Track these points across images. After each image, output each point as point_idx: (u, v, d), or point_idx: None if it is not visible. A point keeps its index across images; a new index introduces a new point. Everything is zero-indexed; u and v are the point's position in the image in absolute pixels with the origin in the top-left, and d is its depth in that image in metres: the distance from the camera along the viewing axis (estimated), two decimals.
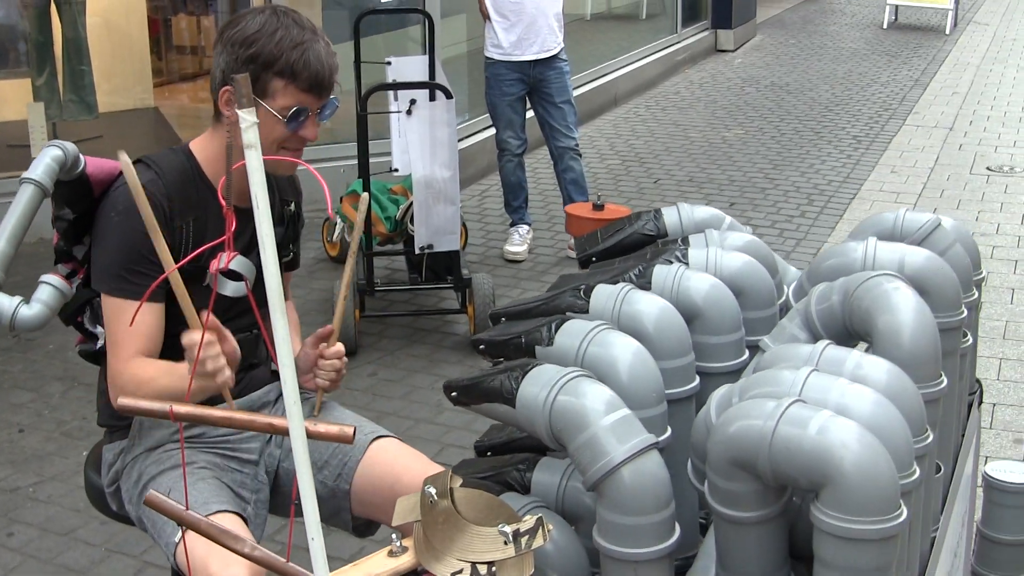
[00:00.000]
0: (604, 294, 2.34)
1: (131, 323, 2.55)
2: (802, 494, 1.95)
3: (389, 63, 6.22)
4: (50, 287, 2.52)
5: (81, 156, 2.60)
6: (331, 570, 1.77)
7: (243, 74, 1.57)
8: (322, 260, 6.85)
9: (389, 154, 6.09)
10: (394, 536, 2.09)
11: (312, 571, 1.68)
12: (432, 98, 5.48)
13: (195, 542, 2.37)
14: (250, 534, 2.54)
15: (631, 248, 2.80)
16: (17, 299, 2.46)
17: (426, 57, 6.21)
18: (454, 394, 2.17)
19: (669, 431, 2.17)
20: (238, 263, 2.06)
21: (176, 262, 2.56)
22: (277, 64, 2.50)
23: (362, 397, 5.13)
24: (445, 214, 5.36)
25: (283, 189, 2.88)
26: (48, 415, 5.03)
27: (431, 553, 1.93)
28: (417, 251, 5.44)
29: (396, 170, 5.91)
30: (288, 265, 2.96)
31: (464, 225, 6.84)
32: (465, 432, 4.71)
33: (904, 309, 2.14)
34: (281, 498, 2.85)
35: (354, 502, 2.77)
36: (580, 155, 6.95)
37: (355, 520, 2.81)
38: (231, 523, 2.48)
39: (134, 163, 2.60)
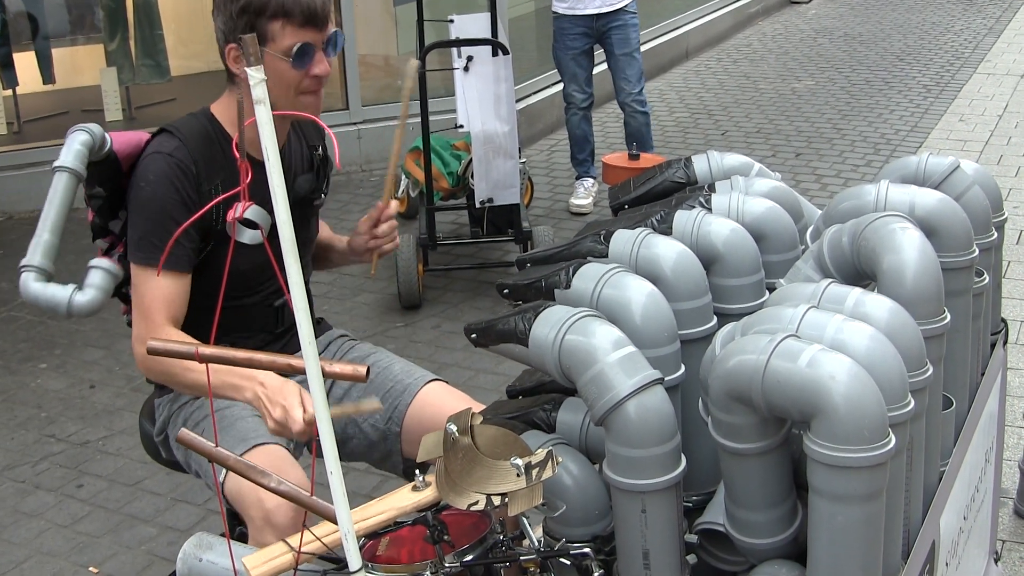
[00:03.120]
0: (623, 239, 2.42)
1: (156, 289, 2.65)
2: (799, 426, 2.03)
3: (452, 21, 6.27)
4: (101, 270, 2.63)
5: (107, 136, 2.68)
6: (353, 505, 1.87)
7: (250, 35, 1.67)
8: None
9: (455, 111, 6.17)
10: (417, 472, 2.20)
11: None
12: (494, 54, 5.54)
13: (236, 482, 2.50)
14: (296, 462, 2.64)
15: (661, 195, 2.87)
16: (71, 287, 2.56)
17: (488, 14, 6.26)
18: (474, 336, 2.26)
19: (683, 369, 2.25)
20: (253, 212, 2.15)
21: (212, 224, 2.68)
22: (269, 7, 2.56)
23: (425, 349, 5.25)
24: (504, 168, 5.45)
25: (309, 134, 2.95)
26: (118, 371, 5.21)
27: (451, 487, 2.03)
28: (477, 205, 5.53)
29: (461, 126, 5.99)
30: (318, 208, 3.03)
31: (530, 179, 6.93)
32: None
33: (908, 248, 2.20)
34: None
35: (404, 444, 2.87)
36: (644, 108, 6.97)
37: (405, 462, 2.91)
38: (277, 452, 2.59)
39: (158, 132, 2.72)
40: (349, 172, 7.80)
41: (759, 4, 13.00)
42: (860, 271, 2.31)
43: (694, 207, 2.59)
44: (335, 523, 1.80)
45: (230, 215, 1.89)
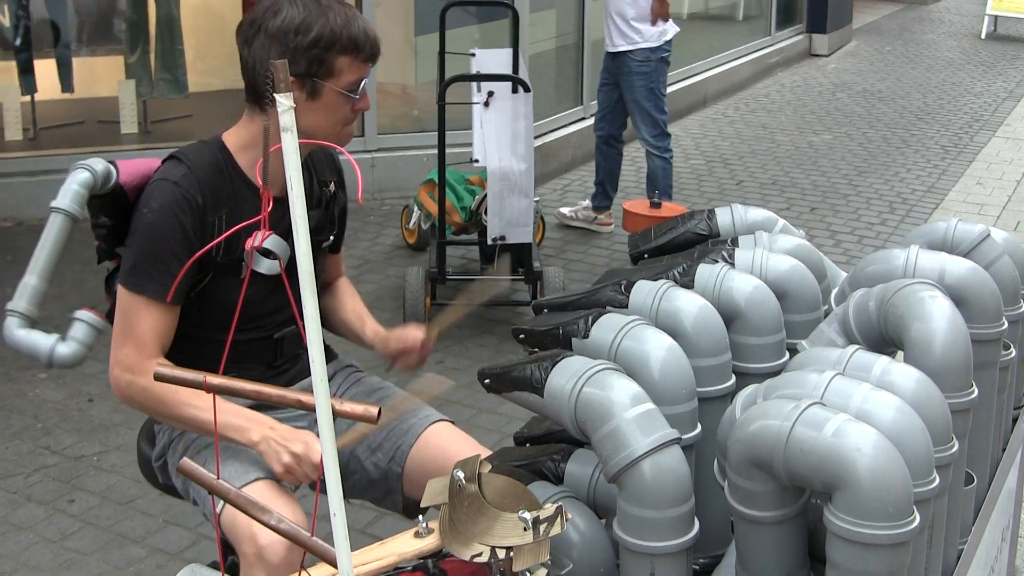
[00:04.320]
0: (644, 290, 2.37)
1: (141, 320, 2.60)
2: (820, 496, 1.97)
3: (473, 54, 6.26)
4: (85, 324, 2.57)
5: (113, 168, 2.64)
6: (354, 545, 1.81)
7: (281, 60, 1.62)
8: (399, 247, 6.92)
9: (471, 145, 6.13)
10: (421, 518, 2.14)
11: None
12: (514, 90, 5.51)
13: (234, 515, 2.44)
14: (292, 499, 2.59)
15: (683, 246, 2.82)
16: (54, 337, 2.53)
17: (510, 50, 6.24)
18: (487, 381, 2.21)
19: (699, 428, 2.20)
20: (272, 242, 2.10)
21: (211, 256, 2.63)
22: (340, 41, 2.53)
23: None
24: (519, 206, 5.40)
25: (320, 169, 2.87)
26: None
27: (455, 536, 1.97)
28: (490, 242, 5.48)
29: (476, 161, 5.96)
30: (333, 247, 2.97)
31: (542, 218, 6.89)
32: (525, 423, 4.73)
33: (938, 318, 2.14)
34: None
35: (406, 484, 2.81)
36: (659, 153, 7.03)
37: (406, 500, 2.84)
38: (271, 490, 2.53)
39: (167, 159, 2.67)
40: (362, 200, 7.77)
41: (779, 55, 12.99)
42: (886, 338, 2.25)
43: (717, 261, 2.54)
44: (335, 567, 1.74)
45: (248, 243, 1.84)
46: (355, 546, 2.82)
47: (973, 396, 2.15)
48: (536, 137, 8.21)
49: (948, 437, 2.01)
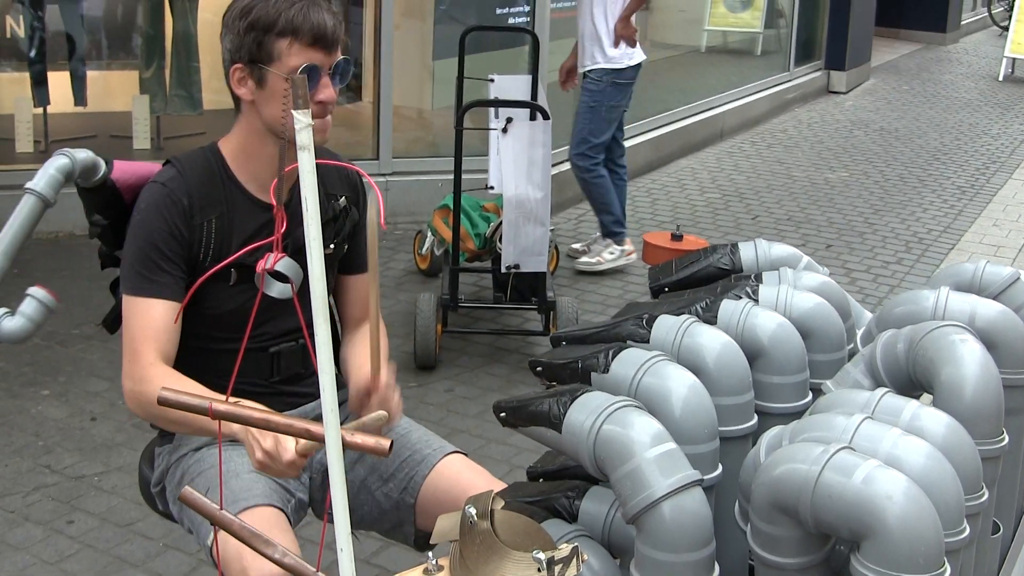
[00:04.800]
0: (666, 325, 2.31)
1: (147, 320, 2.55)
2: (846, 544, 1.90)
3: (492, 80, 6.21)
4: (36, 301, 2.51)
5: (103, 162, 2.61)
6: None
7: (300, 75, 1.56)
8: (411, 272, 6.86)
9: (487, 171, 6.08)
10: (430, 554, 2.07)
11: None
12: (532, 117, 5.46)
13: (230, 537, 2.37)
14: (290, 528, 2.52)
15: (704, 281, 2.77)
16: (2, 311, 2.47)
17: (529, 76, 6.20)
18: (503, 415, 2.15)
19: (720, 468, 2.14)
20: (284, 264, 2.04)
21: (198, 258, 2.58)
22: (278, 24, 2.48)
23: (436, 412, 5.12)
24: (534, 235, 5.34)
25: (331, 182, 2.79)
26: (121, 405, 5.03)
27: (465, 574, 1.91)
28: (503, 270, 5.42)
29: (492, 188, 5.91)
30: (345, 266, 2.88)
31: (556, 247, 6.83)
32: (535, 454, 4.65)
33: (969, 362, 2.08)
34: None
35: (418, 516, 2.74)
36: (578, 172, 7.03)
37: (418, 533, 2.78)
38: (270, 517, 2.46)
39: (164, 163, 2.64)
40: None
41: (797, 91, 12.95)
42: (915, 381, 2.19)
43: (740, 297, 2.48)
44: None
45: (260, 266, 1.78)
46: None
47: (1004, 443, 2.10)
48: (552, 165, 8.18)
49: (979, 485, 1.95)
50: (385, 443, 1.67)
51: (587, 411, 1.99)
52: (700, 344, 2.25)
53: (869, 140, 11.31)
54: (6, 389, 5.19)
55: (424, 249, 6.67)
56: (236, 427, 2.35)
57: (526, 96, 5.97)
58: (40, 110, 8.10)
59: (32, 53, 8.06)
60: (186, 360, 2.62)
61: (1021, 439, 2.36)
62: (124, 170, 2.65)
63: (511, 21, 8.59)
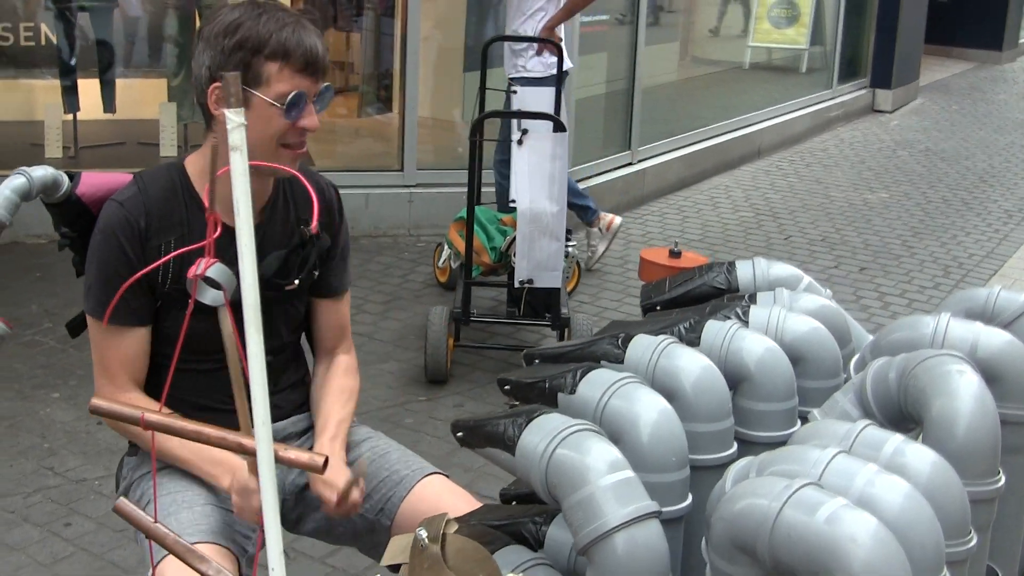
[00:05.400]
0: (642, 345, 2.18)
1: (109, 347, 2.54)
2: None
3: (515, 91, 6.11)
4: None
5: (65, 177, 2.54)
6: None
7: (233, 72, 1.47)
8: (431, 285, 6.76)
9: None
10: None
11: None
12: (556, 129, 5.31)
13: (171, 566, 2.26)
14: (231, 564, 2.40)
15: (698, 300, 2.64)
16: None
17: (552, 88, 6.08)
18: (460, 434, 2.03)
19: (690, 499, 2.00)
20: (216, 271, 1.92)
21: (158, 282, 2.49)
22: (268, 46, 2.36)
23: (443, 427, 4.98)
24: (548, 249, 5.20)
25: (303, 206, 2.67)
26: None
27: None
28: (516, 284, 5.29)
29: (514, 201, 5.78)
30: (316, 290, 2.76)
31: (578, 264, 6.70)
32: None
33: (963, 395, 1.93)
34: (310, 521, 2.73)
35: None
36: (499, 179, 6.68)
37: None
38: (213, 554, 2.34)
39: (133, 176, 2.55)
40: (396, 236, 7.61)
41: (840, 109, 12.76)
42: (905, 413, 2.04)
43: (729, 318, 2.35)
44: None
45: (191, 271, 1.68)
46: None
47: (999, 484, 1.94)
48: (582, 180, 8.07)
49: (965, 530, 1.79)
50: (319, 459, 1.60)
51: (541, 434, 1.86)
52: (677, 367, 2.12)
53: (913, 161, 11.09)
54: (18, 391, 5.19)
55: (442, 261, 6.56)
56: (226, 484, 2.38)
57: (549, 108, 5.84)
58: (70, 117, 8.17)
59: (63, 60, 8.14)
60: (160, 382, 2.58)
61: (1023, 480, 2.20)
62: (91, 183, 2.57)
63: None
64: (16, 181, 2.46)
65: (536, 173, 5.15)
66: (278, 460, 1.54)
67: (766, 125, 11.03)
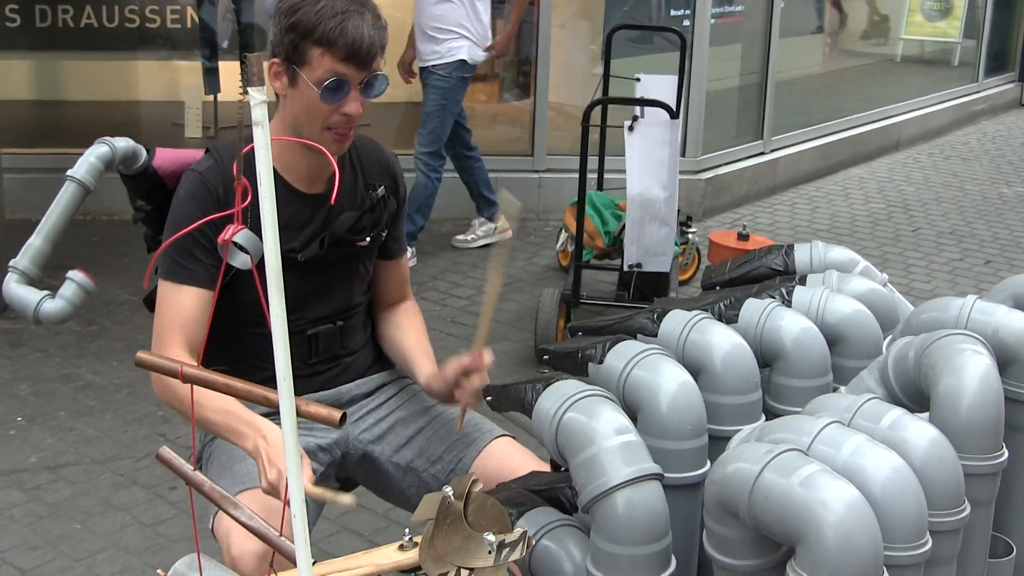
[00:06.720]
0: (675, 320, 2.28)
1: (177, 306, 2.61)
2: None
3: (638, 79, 6.18)
4: (75, 284, 2.59)
5: (143, 150, 2.67)
6: (347, 550, 1.78)
7: (257, 53, 1.60)
8: (553, 268, 6.89)
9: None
10: (407, 531, 2.09)
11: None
12: (673, 116, 5.37)
13: (224, 518, 2.41)
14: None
15: (756, 281, 2.73)
16: (43, 293, 2.56)
17: (674, 77, 6.14)
18: (489, 398, 2.15)
19: (708, 466, 2.09)
20: (243, 236, 2.05)
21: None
22: (316, 32, 2.47)
23: None
24: (658, 234, 5.28)
25: (370, 172, 2.81)
26: None
27: (431, 553, 1.92)
28: (625, 268, 5.39)
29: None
30: (383, 253, 2.90)
31: (698, 251, 6.75)
32: None
33: (969, 373, 2.00)
34: (380, 480, 2.87)
35: None
36: (425, 171, 6.77)
37: None
38: (263, 498, 2.46)
39: (205, 151, 2.69)
40: (525, 219, 7.74)
41: (985, 103, 12.53)
42: (920, 390, 2.11)
43: (772, 297, 2.43)
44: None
45: (221, 237, 1.82)
46: (347, 551, 2.79)
47: (1001, 459, 2.00)
48: (707, 170, 8.12)
49: (958, 501, 1.86)
50: (336, 414, 1.69)
51: (554, 398, 1.97)
52: (708, 342, 2.21)
53: None
54: None
55: (560, 245, 6.68)
56: (250, 446, 2.42)
57: (670, 96, 5.89)
58: (210, 98, 8.42)
59: (206, 42, 8.34)
60: (232, 345, 2.70)
61: None
62: (166, 158, 2.71)
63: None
64: (100, 149, 2.60)
65: (647, 159, 5.23)
66: (299, 414, 1.64)
67: (907, 117, 10.89)
